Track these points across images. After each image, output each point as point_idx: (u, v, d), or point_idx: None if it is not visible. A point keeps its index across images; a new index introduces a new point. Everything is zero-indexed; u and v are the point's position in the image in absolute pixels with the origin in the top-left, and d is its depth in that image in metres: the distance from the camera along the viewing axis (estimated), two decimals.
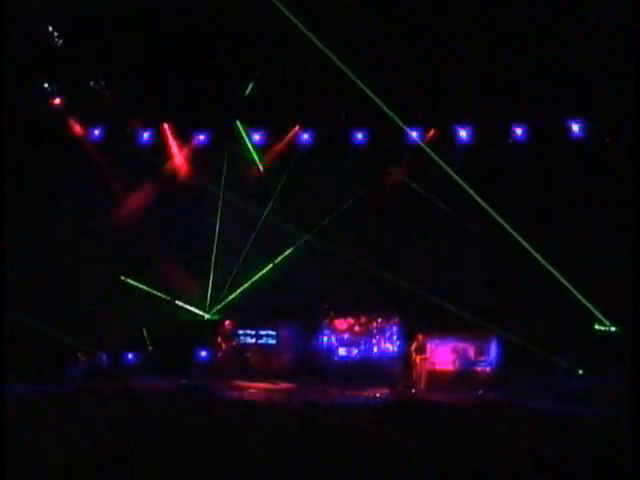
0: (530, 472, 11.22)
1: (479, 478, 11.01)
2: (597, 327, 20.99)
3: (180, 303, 23.24)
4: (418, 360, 20.58)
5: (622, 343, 18.32)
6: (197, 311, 23.26)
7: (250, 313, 22.93)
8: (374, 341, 22.20)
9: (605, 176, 20.61)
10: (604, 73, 19.58)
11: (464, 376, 20.94)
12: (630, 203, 12.96)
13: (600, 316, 20.95)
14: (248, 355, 22.38)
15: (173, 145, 23.31)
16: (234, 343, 22.31)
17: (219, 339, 22.23)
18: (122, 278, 23.13)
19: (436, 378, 20.72)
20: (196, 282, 23.31)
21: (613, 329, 20.78)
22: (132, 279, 23.25)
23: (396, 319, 22.31)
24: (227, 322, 22.63)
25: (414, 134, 22.24)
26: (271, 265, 23.20)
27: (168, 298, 23.19)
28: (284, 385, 20.77)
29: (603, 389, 18.43)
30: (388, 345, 22.14)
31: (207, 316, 23.25)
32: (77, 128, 22.77)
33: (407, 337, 21.55)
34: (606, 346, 20.00)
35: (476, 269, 22.05)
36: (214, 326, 22.86)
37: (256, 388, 20.29)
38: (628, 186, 14.52)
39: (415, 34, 20.34)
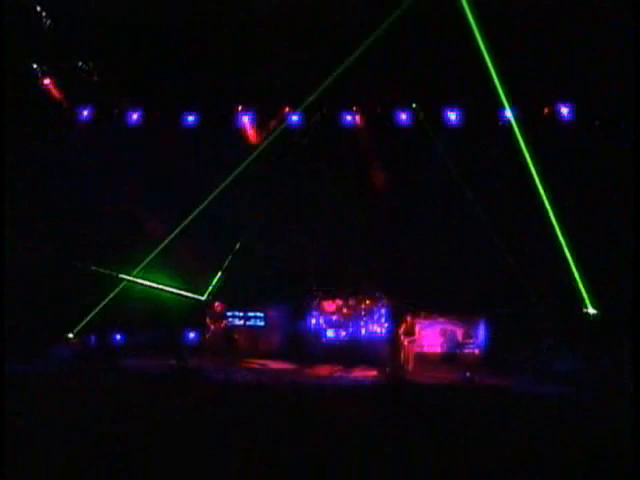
0: (521, 456, 11.25)
1: (471, 460, 11.06)
2: (585, 310, 21.00)
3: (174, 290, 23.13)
4: (406, 342, 20.57)
5: (609, 326, 18.70)
6: (194, 295, 23.08)
7: (239, 294, 22.85)
8: (362, 323, 22.20)
9: (594, 159, 20.93)
10: (593, 56, 19.68)
11: (452, 358, 21.12)
12: (630, 194, 13.05)
13: (588, 299, 20.96)
14: (236, 337, 22.35)
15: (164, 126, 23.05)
16: (222, 324, 22.21)
17: (208, 320, 22.13)
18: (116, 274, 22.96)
19: (424, 360, 20.79)
20: (192, 265, 23.21)
21: (601, 312, 20.79)
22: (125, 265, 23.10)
23: (384, 301, 22.32)
24: (217, 303, 22.50)
25: (404, 116, 22.16)
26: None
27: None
28: (273, 366, 20.78)
29: (590, 371, 18.73)
30: (376, 327, 22.15)
31: (203, 299, 23.07)
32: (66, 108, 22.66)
33: (395, 319, 21.54)
34: (593, 329, 20.22)
35: (466, 252, 22.02)
36: (203, 307, 22.76)
37: (245, 370, 20.28)
38: (622, 172, 14.67)
39: (404, 17, 20.09)
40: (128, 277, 22.92)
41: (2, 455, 9.90)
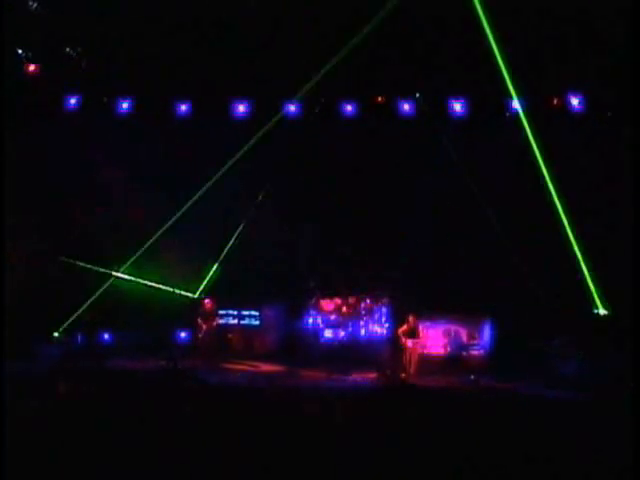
0: (527, 461, 10.98)
1: (476, 465, 10.77)
2: (594, 310, 20.55)
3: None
4: (409, 343, 19.99)
5: (618, 327, 18.27)
6: (185, 292, 22.46)
7: (233, 292, 22.24)
8: (362, 323, 21.67)
9: (605, 151, 20.49)
10: (605, 44, 19.42)
11: (456, 360, 20.42)
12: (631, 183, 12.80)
13: (597, 299, 20.52)
14: (230, 336, 21.83)
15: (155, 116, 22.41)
16: (214, 323, 21.69)
17: (199, 319, 21.60)
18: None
19: (427, 362, 20.16)
20: (181, 262, 22.52)
21: (609, 312, 20.32)
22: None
23: (386, 300, 21.80)
24: (207, 301, 21.98)
25: (406, 107, 21.56)
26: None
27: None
28: (265, 368, 20.24)
29: (598, 373, 18.14)
30: (376, 327, 21.64)
31: (194, 296, 22.49)
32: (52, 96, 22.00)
33: (397, 319, 20.97)
34: (602, 330, 19.69)
35: (470, 249, 21.51)
36: (194, 306, 22.20)
37: (237, 371, 19.84)
38: (630, 166, 14.39)
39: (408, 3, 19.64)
40: (117, 274, 22.36)
41: (2, 455, 9.84)
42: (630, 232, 13.49)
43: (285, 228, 22.45)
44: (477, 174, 21.43)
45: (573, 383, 17.86)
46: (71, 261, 22.25)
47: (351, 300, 21.89)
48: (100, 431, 11.84)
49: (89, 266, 22.30)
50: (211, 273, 22.59)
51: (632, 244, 12.79)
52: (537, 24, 19.68)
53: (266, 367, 20.33)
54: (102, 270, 22.34)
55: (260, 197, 22.49)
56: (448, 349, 20.59)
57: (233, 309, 22.13)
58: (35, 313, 20.61)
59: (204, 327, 21.56)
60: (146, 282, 22.43)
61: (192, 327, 21.79)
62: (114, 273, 22.32)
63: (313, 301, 21.98)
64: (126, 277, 22.44)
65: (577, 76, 20.49)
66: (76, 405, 14.42)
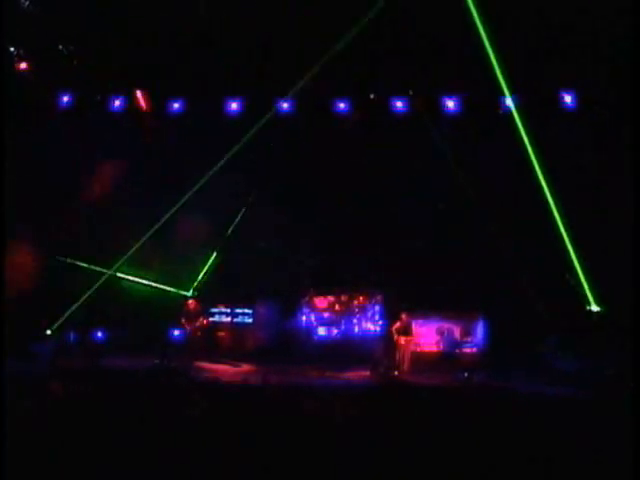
0: (523, 459, 10.35)
1: (469, 465, 10.23)
2: (589, 307, 20.49)
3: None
4: (402, 341, 19.93)
5: (614, 324, 18.22)
6: (178, 291, 22.47)
7: (226, 290, 22.23)
8: (355, 320, 21.63)
9: (602, 149, 20.45)
10: (602, 42, 19.26)
11: (449, 358, 20.44)
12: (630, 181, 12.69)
13: (592, 296, 20.46)
14: (220, 334, 21.77)
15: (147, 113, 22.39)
16: (198, 324, 21.21)
17: (183, 320, 21.21)
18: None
19: (420, 360, 20.16)
20: (175, 260, 22.63)
21: (605, 311, 20.28)
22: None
23: (379, 297, 21.74)
24: (190, 301, 21.68)
25: (399, 104, 21.47)
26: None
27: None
28: (246, 367, 20.07)
29: (594, 370, 18.21)
30: (370, 325, 21.59)
31: (188, 294, 22.36)
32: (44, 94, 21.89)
33: (390, 316, 20.88)
34: (598, 327, 19.71)
35: (464, 245, 21.37)
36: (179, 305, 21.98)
37: (226, 369, 19.73)
38: (625, 161, 14.30)
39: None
40: (111, 272, 22.18)
41: (2, 455, 9.59)
42: (629, 230, 13.34)
43: (280, 226, 22.30)
44: (472, 172, 21.36)
45: (572, 380, 17.77)
46: (68, 260, 22.30)
47: (344, 298, 21.86)
48: (96, 431, 11.19)
49: (85, 264, 22.36)
50: (204, 270, 22.59)
51: (632, 243, 12.63)
52: (534, 22, 19.54)
53: (245, 366, 20.15)
54: (98, 268, 22.27)
55: (254, 195, 22.43)
56: (441, 346, 20.63)
57: (226, 307, 22.04)
58: (32, 312, 20.64)
59: (187, 328, 21.12)
60: (141, 280, 22.44)
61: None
62: (109, 271, 22.16)
63: (307, 299, 21.93)
64: (121, 275, 22.41)
65: (573, 74, 20.39)
66: (71, 404, 13.47)
